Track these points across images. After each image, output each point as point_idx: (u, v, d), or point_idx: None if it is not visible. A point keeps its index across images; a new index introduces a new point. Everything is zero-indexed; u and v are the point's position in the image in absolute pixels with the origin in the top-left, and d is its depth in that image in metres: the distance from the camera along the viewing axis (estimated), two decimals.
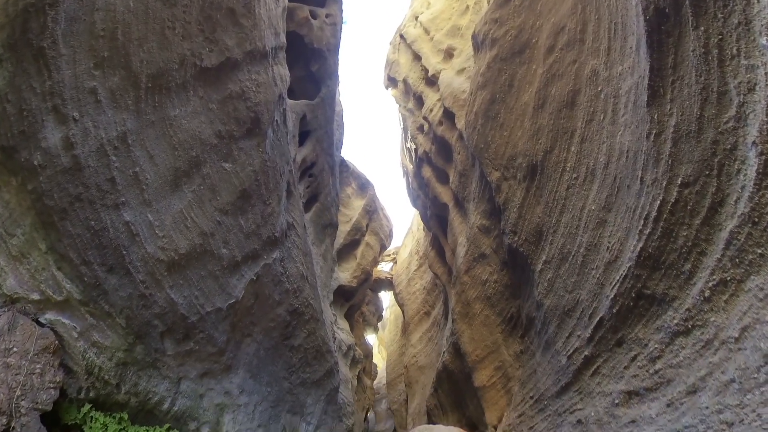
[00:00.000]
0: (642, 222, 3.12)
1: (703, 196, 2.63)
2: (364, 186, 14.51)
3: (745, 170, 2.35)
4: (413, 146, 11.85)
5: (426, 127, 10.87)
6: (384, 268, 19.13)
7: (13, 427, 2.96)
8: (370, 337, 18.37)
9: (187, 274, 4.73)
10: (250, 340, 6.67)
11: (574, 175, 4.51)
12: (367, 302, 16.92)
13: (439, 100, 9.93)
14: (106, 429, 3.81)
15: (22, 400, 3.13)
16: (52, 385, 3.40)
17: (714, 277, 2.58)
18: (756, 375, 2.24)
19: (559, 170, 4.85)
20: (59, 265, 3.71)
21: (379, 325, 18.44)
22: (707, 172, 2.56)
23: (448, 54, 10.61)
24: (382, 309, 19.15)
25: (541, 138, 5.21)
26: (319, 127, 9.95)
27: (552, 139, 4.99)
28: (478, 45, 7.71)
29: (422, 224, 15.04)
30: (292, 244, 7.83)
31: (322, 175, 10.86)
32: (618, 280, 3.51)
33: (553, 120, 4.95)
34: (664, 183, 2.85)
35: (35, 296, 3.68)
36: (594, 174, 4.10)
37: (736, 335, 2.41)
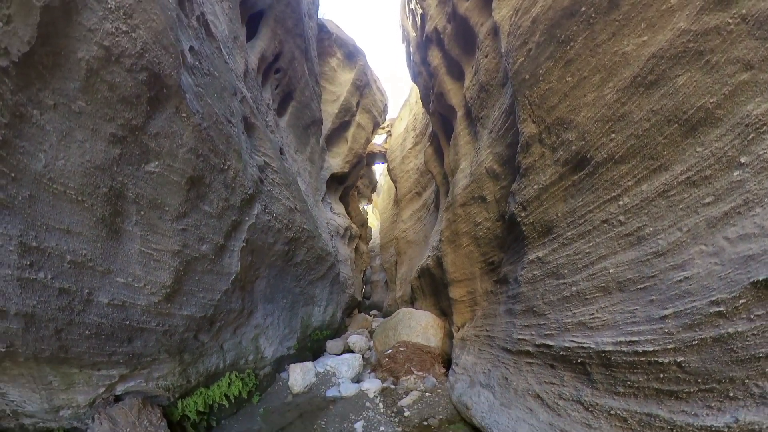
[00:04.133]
0: (627, 339, 3.08)
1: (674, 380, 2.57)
2: (351, 55, 11.24)
3: None
4: (419, 10, 8.37)
5: None
6: (378, 140, 17.94)
7: None
8: (366, 205, 19.82)
9: (185, 289, 4.77)
10: (258, 280, 7.43)
11: (620, 218, 3.43)
12: (361, 176, 17.13)
13: None
14: (197, 404, 5.32)
15: None
16: (160, 422, 4.55)
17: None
18: None
19: (611, 195, 3.55)
20: (97, 369, 4.05)
21: (373, 195, 19.42)
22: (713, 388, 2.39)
23: None
24: (376, 180, 19.56)
25: (617, 133, 3.33)
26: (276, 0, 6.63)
27: (631, 150, 3.23)
28: None
29: (421, 100, 12.99)
30: (271, 184, 7.21)
31: (293, 65, 8.37)
32: (578, 344, 3.78)
33: (651, 124, 3.02)
34: (670, 346, 2.63)
35: (101, 390, 4.22)
36: (640, 243, 3.19)
37: None
